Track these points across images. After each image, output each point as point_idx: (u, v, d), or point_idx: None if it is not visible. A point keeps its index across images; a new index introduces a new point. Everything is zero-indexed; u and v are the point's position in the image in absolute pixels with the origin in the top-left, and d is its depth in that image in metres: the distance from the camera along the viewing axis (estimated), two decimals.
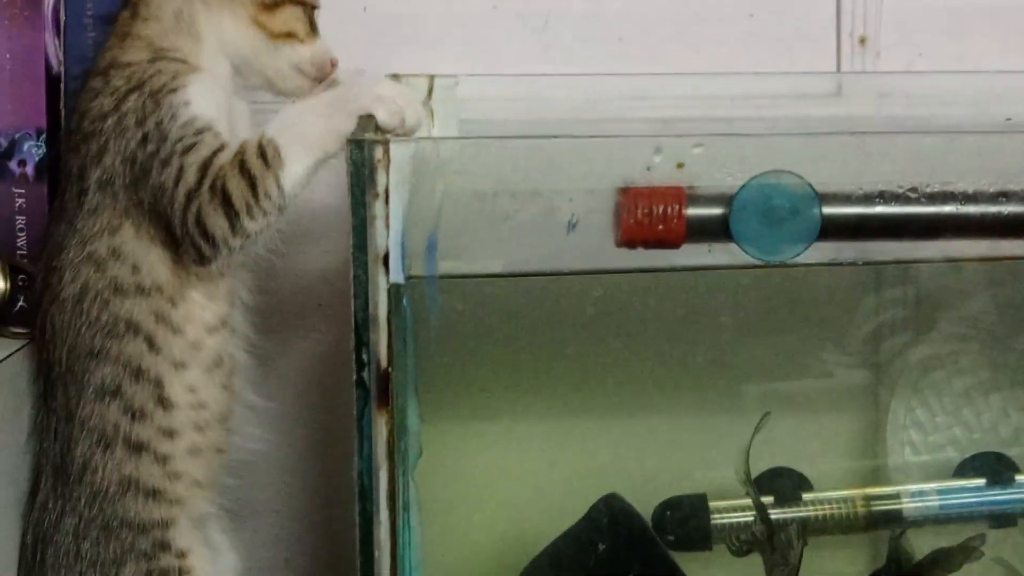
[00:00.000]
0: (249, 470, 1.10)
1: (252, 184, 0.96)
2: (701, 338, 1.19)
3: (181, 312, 1.00)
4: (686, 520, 1.21)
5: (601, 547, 1.12)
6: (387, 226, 0.85)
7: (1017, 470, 1.26)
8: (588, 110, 1.34)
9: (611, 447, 1.25)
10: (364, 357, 0.87)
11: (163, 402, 1.00)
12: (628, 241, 0.88)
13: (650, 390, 1.23)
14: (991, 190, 0.86)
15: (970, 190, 0.86)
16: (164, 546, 1.01)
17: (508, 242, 0.91)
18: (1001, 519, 1.24)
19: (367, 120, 0.96)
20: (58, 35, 1.06)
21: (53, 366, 1.02)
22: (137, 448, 1.00)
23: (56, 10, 1.04)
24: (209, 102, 1.00)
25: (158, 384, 1.00)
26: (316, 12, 1.08)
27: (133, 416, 0.99)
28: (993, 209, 0.87)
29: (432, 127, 1.25)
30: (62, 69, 1.05)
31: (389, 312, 0.87)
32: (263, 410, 1.09)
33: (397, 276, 0.86)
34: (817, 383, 1.29)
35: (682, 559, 1.17)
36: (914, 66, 1.47)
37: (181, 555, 1.02)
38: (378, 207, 0.85)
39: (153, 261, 1.00)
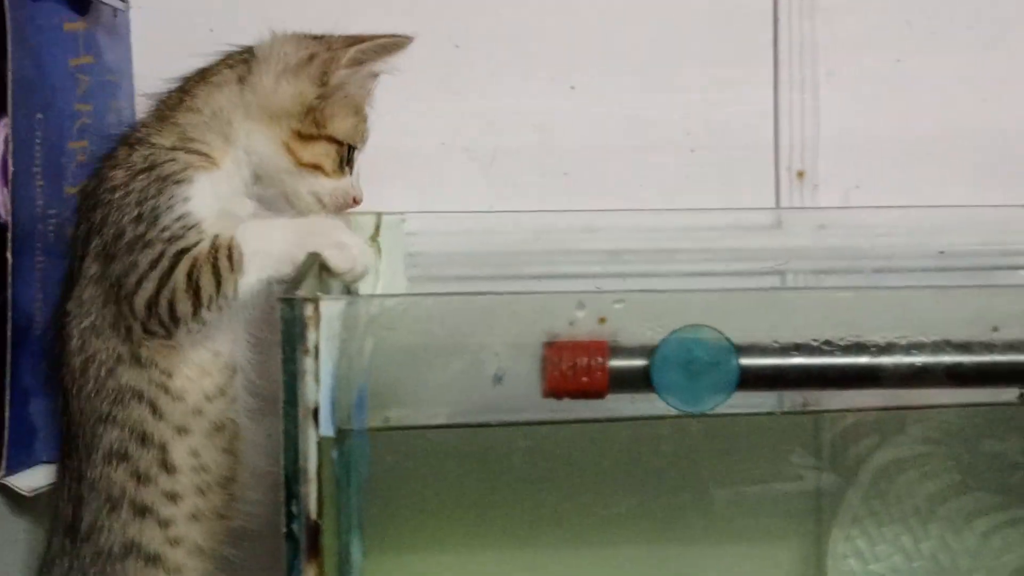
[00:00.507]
0: (252, 540, 1.11)
1: (218, 282, 1.02)
2: (632, 486, 1.21)
3: (178, 382, 1.05)
4: None
5: None
6: (317, 381, 0.87)
7: None
8: (535, 243, 1.37)
9: None
10: (294, 509, 0.88)
11: (167, 466, 1.04)
12: (553, 392, 0.90)
13: (588, 540, 1.23)
14: (903, 342, 0.89)
15: (883, 342, 0.89)
16: None
17: (437, 395, 0.93)
18: None
19: (307, 267, 1.00)
20: (5, 185, 1.09)
21: (69, 427, 1.06)
22: (141, 511, 1.04)
23: (4, 160, 1.07)
24: (211, 200, 1.06)
25: (162, 448, 1.04)
26: (356, 152, 1.13)
27: (139, 479, 1.04)
28: (906, 360, 0.89)
29: (379, 263, 1.28)
30: (9, 219, 1.08)
31: (319, 465, 0.88)
32: (267, 475, 1.11)
33: (327, 430, 0.88)
34: (757, 521, 1.30)
35: None
36: (851, 198, 1.51)
37: None
38: (308, 362, 0.87)
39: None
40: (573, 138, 1.49)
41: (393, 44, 1.12)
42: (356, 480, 0.94)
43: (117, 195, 1.05)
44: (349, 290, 1.07)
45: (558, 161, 1.48)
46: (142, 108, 1.31)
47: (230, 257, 1.02)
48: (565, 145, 1.49)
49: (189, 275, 1.02)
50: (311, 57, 1.10)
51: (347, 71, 1.11)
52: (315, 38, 1.13)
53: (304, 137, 1.09)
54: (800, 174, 1.49)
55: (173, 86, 1.13)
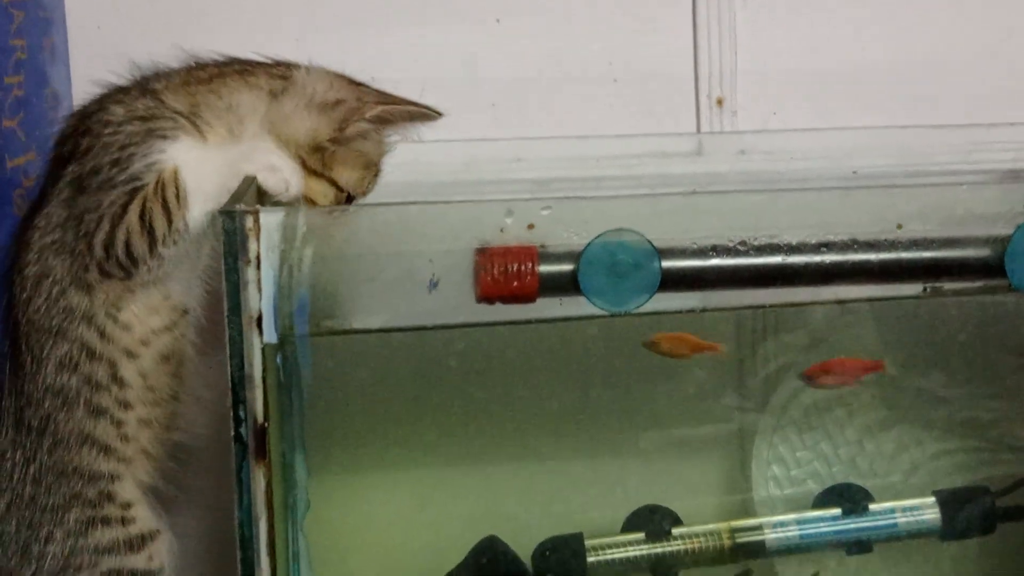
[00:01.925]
0: (192, 457, 1.16)
1: (169, 219, 1.04)
2: (565, 384, 1.26)
3: (125, 316, 1.08)
4: (564, 559, 1.26)
5: None
6: (259, 290, 0.91)
7: (871, 499, 1.33)
8: (464, 172, 1.40)
9: (490, 493, 1.31)
10: (241, 414, 0.92)
11: (118, 380, 1.08)
12: (486, 297, 0.94)
13: (522, 436, 1.29)
14: (813, 241, 0.94)
15: (794, 241, 0.94)
16: (109, 497, 1.09)
17: (376, 301, 0.97)
18: (857, 546, 1.32)
19: (244, 187, 1.03)
20: None
21: (15, 333, 1.09)
22: (96, 412, 1.08)
23: None
24: (185, 162, 1.07)
25: (112, 365, 1.08)
26: (355, 201, 1.13)
27: (93, 386, 1.08)
28: (815, 258, 0.95)
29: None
30: None
31: (264, 370, 0.92)
32: (207, 400, 1.15)
33: (271, 336, 0.92)
34: (684, 424, 1.36)
35: None
36: (769, 124, 1.56)
37: (125, 506, 1.09)
38: (250, 272, 0.91)
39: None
40: (499, 71, 1.52)
41: (421, 114, 1.15)
42: (298, 385, 0.98)
43: (107, 131, 1.07)
44: None
45: (485, 93, 1.52)
46: (76, 44, 1.34)
47: (177, 194, 1.04)
48: (492, 78, 1.52)
49: (142, 216, 1.04)
50: (338, 103, 1.12)
51: (367, 126, 1.13)
52: (352, 84, 1.15)
53: (308, 169, 1.10)
54: (719, 101, 1.54)
55: (213, 61, 1.14)
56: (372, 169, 1.15)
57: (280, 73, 1.14)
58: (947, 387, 1.38)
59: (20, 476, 1.09)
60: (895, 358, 1.36)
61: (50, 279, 1.08)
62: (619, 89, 1.55)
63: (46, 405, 1.08)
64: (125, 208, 1.05)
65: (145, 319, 1.09)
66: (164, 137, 1.07)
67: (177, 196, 1.04)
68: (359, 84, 1.16)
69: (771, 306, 1.25)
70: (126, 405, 1.08)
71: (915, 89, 1.59)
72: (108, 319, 1.08)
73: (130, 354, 1.09)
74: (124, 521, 1.10)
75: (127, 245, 1.05)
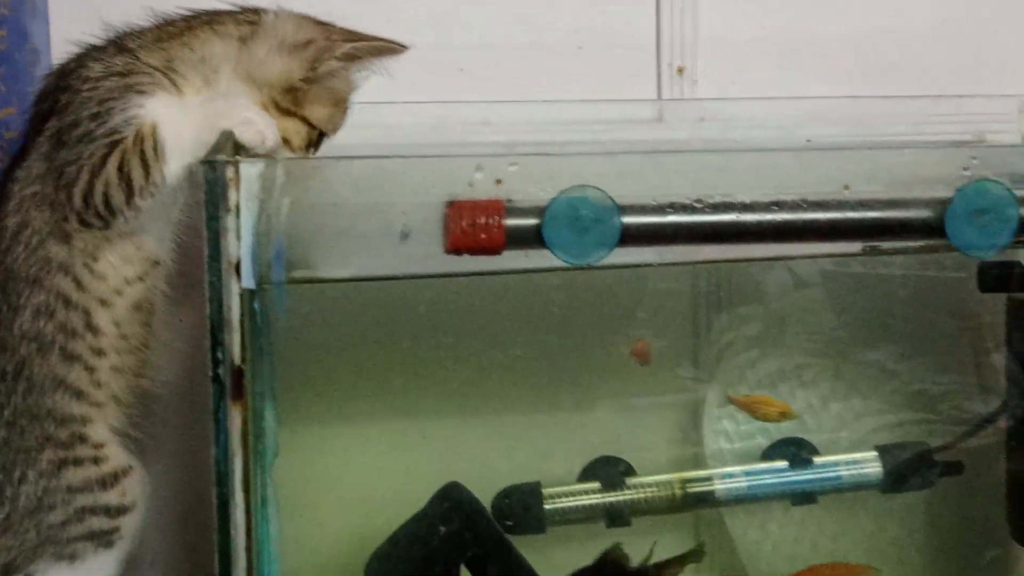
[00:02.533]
0: (161, 406, 1.20)
1: (147, 171, 1.08)
2: (528, 336, 1.31)
3: (101, 265, 1.12)
4: (522, 506, 1.32)
5: (443, 530, 1.23)
6: (238, 237, 0.95)
7: (816, 453, 1.39)
8: (433, 135, 1.44)
9: (453, 441, 1.36)
10: (219, 355, 0.96)
11: (92, 328, 1.12)
12: (455, 248, 0.99)
13: (485, 386, 1.34)
14: (765, 200, 0.99)
15: (748, 200, 0.99)
16: (82, 438, 1.12)
17: (349, 251, 1.01)
18: (802, 497, 1.38)
19: (224, 139, 1.07)
20: None
21: None
22: (70, 358, 1.11)
23: None
24: (163, 117, 1.10)
25: (87, 313, 1.11)
26: (325, 137, 1.18)
27: (68, 333, 1.11)
28: (767, 217, 1.00)
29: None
30: None
31: (242, 315, 0.96)
32: (176, 350, 1.20)
33: (248, 282, 0.96)
34: (641, 378, 1.41)
35: (519, 542, 1.27)
36: (728, 93, 1.61)
37: (97, 446, 1.13)
38: (230, 220, 0.95)
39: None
40: (468, 36, 1.55)
41: (388, 48, 1.19)
42: (272, 331, 1.02)
43: (86, 87, 1.10)
44: None
45: (454, 59, 1.55)
46: (55, 3, 1.37)
47: (155, 147, 1.08)
48: (461, 44, 1.55)
49: (120, 168, 1.08)
50: (307, 43, 1.15)
51: (338, 64, 1.16)
52: (318, 24, 1.18)
53: (281, 109, 1.14)
54: (680, 70, 1.59)
55: (181, 16, 1.17)
56: (342, 106, 1.19)
57: (248, 19, 1.17)
58: (896, 351, 1.44)
59: None
60: (846, 326, 1.42)
61: (29, 229, 1.11)
62: (584, 56, 1.58)
63: (21, 351, 1.11)
64: (104, 160, 1.08)
65: (119, 269, 1.13)
66: (142, 92, 1.10)
67: (155, 149, 1.08)
68: (326, 24, 1.19)
69: (727, 261, 1.31)
70: (99, 352, 1.12)
71: (870, 60, 1.64)
72: (84, 269, 1.11)
73: (104, 303, 1.12)
74: (96, 460, 1.14)
75: (105, 196, 1.08)
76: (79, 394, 1.12)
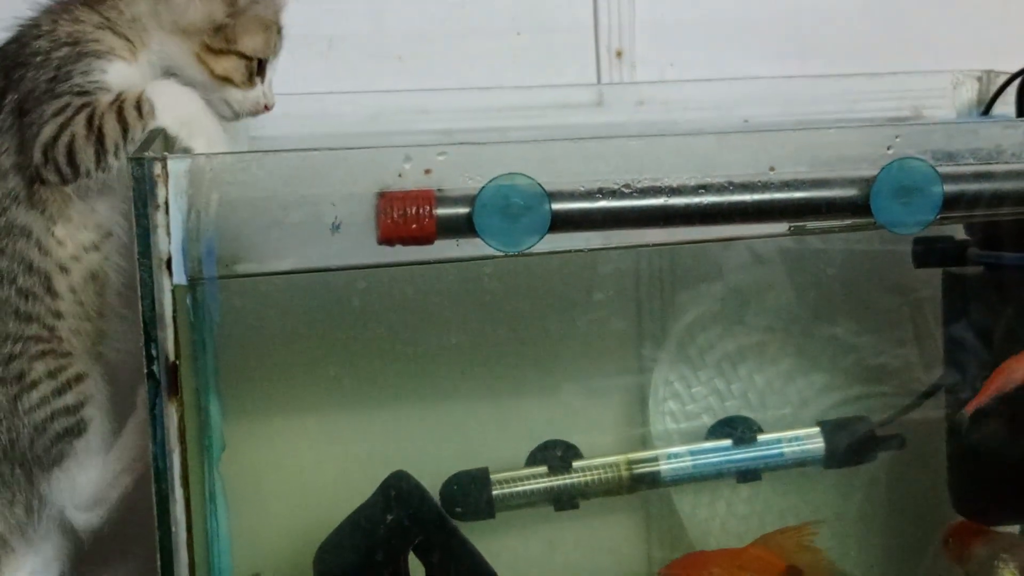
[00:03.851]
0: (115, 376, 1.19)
1: (125, 128, 1.08)
2: (468, 324, 1.32)
3: (60, 229, 1.12)
4: (470, 493, 1.33)
5: (389, 519, 1.23)
6: (168, 234, 0.95)
7: (760, 431, 1.41)
8: (372, 124, 1.45)
9: (397, 431, 1.37)
10: (153, 352, 0.96)
11: (51, 292, 1.13)
12: (387, 239, 0.99)
13: (427, 375, 1.35)
14: (692, 183, 1.00)
15: (675, 184, 1.00)
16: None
17: (281, 244, 1.01)
18: (747, 474, 1.39)
19: (155, 132, 1.08)
20: None
21: None
22: (27, 318, 1.12)
23: None
24: (125, 81, 1.12)
25: (47, 278, 1.12)
26: (268, 63, 1.19)
27: (25, 297, 1.12)
28: (695, 200, 1.01)
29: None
30: None
31: (175, 311, 0.97)
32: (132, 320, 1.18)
33: (180, 278, 0.96)
34: (585, 362, 1.43)
35: (468, 528, 1.28)
36: (666, 75, 1.62)
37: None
38: (159, 217, 0.95)
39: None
40: (405, 24, 1.56)
41: None
42: (209, 326, 1.03)
43: (38, 59, 1.11)
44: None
45: (391, 46, 1.55)
46: None
47: (139, 107, 1.08)
48: (398, 31, 1.56)
49: (89, 121, 1.08)
50: None
51: None
52: None
53: (215, 51, 1.15)
54: (619, 53, 1.60)
55: None
56: (273, 28, 1.20)
57: None
58: (835, 326, 1.46)
59: None
60: (785, 298, 1.43)
61: None
62: (522, 41, 1.59)
63: None
64: (71, 115, 1.09)
65: (76, 235, 1.13)
66: (99, 58, 1.11)
67: (139, 109, 1.08)
68: None
69: (657, 245, 1.32)
70: (58, 315, 1.13)
71: (807, 38, 1.66)
72: (47, 233, 1.12)
73: (63, 268, 1.13)
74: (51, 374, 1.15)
75: (69, 150, 1.08)
76: (38, 339, 1.13)
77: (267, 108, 1.21)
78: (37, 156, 1.09)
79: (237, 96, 1.18)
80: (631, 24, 1.61)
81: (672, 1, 1.62)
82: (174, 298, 0.96)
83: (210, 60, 1.16)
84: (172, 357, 0.97)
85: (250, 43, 1.17)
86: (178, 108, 1.11)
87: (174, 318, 0.96)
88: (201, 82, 1.16)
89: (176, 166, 0.95)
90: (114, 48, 1.13)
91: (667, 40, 1.62)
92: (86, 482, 1.15)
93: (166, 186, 0.95)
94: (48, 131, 1.09)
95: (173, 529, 0.99)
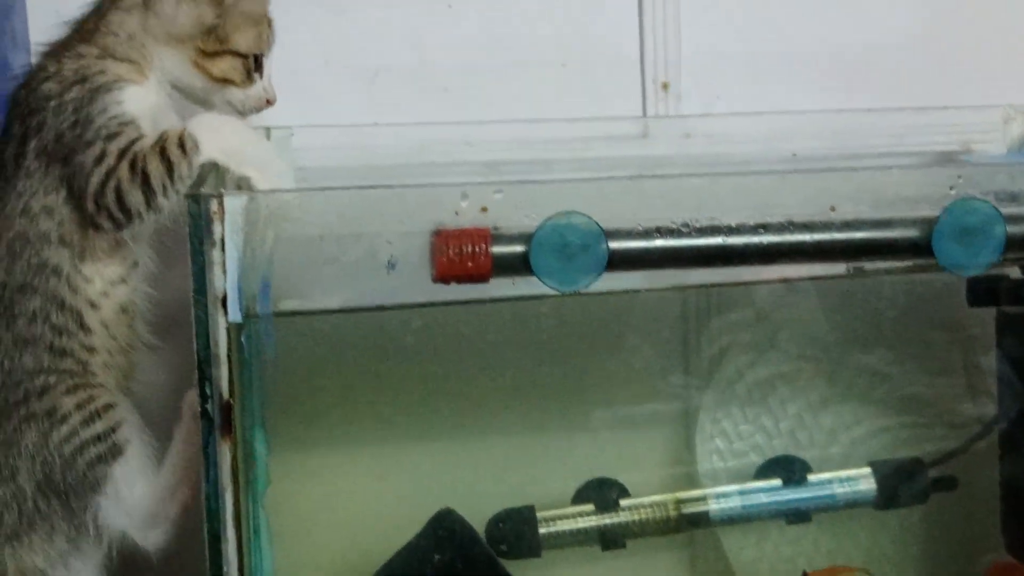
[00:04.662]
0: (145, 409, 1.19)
1: (169, 167, 1.08)
2: (517, 362, 1.31)
3: (89, 267, 1.13)
4: (516, 530, 1.31)
5: (437, 558, 1.22)
6: (224, 271, 0.94)
7: (810, 470, 1.39)
8: (416, 156, 1.44)
9: (444, 467, 1.35)
10: (208, 391, 0.96)
11: (84, 328, 1.13)
12: (442, 277, 0.98)
13: (476, 412, 1.34)
14: (752, 223, 0.99)
15: (734, 223, 0.99)
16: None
17: (336, 282, 1.01)
18: (796, 515, 1.38)
19: (209, 168, 1.07)
20: None
21: None
22: (61, 353, 1.12)
23: None
24: (142, 104, 1.13)
25: (79, 314, 1.13)
26: (264, 57, 1.19)
27: (59, 333, 1.12)
28: (754, 239, 1.00)
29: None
30: None
31: (229, 349, 0.96)
32: (160, 351, 1.20)
33: (235, 316, 0.96)
34: (631, 400, 1.41)
35: (515, 567, 1.27)
36: (712, 108, 1.61)
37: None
38: (215, 254, 0.94)
39: (69, 223, 1.12)
40: (451, 56, 1.56)
41: None
42: (260, 363, 1.02)
43: (52, 103, 1.11)
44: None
45: (437, 78, 1.55)
46: (36, 30, 1.36)
47: (182, 145, 1.08)
48: (444, 62, 1.55)
49: (132, 165, 1.08)
50: None
51: None
52: None
53: (210, 54, 1.16)
54: (665, 86, 1.59)
55: (89, 9, 1.18)
56: (263, 22, 1.20)
57: None
58: (885, 364, 1.44)
59: None
60: (835, 337, 1.42)
61: (22, 241, 1.12)
62: (568, 73, 1.59)
63: (13, 356, 1.12)
64: (111, 161, 1.09)
65: (104, 269, 1.14)
66: (110, 91, 1.12)
67: (183, 147, 1.08)
68: None
69: (713, 285, 1.31)
70: (91, 350, 1.14)
71: (854, 72, 1.64)
72: (75, 272, 1.12)
73: (93, 305, 1.13)
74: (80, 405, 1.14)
75: (119, 197, 1.09)
76: (72, 373, 1.13)
77: (269, 103, 1.21)
78: (90, 207, 1.10)
79: (239, 95, 1.18)
80: (677, 57, 1.60)
81: (718, 34, 1.61)
82: (229, 336, 0.95)
83: (207, 64, 1.16)
84: (226, 395, 0.96)
85: (243, 40, 1.17)
86: (222, 139, 1.11)
87: (229, 356, 0.96)
88: (202, 87, 1.17)
89: (233, 203, 0.95)
90: (120, 75, 1.13)
91: (713, 73, 1.61)
92: (135, 501, 1.15)
93: (222, 223, 0.94)
94: (95, 181, 1.09)
95: (225, 569, 0.98)
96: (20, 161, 1.12)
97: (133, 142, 1.10)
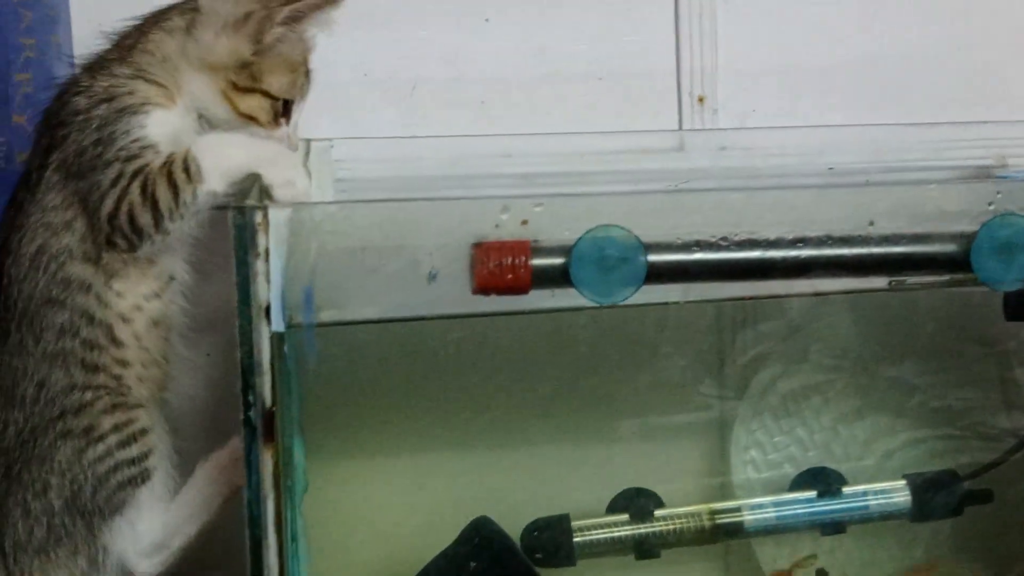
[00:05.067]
0: (179, 421, 1.21)
1: (176, 193, 1.10)
2: (553, 373, 1.32)
3: (119, 283, 1.14)
4: (551, 539, 1.32)
5: (472, 565, 1.23)
6: (268, 281, 0.96)
7: (844, 482, 1.39)
8: (454, 168, 1.45)
9: (481, 476, 1.37)
10: (250, 399, 0.97)
11: (115, 341, 1.14)
12: (482, 289, 0.99)
13: (512, 422, 1.35)
14: (790, 237, 1.00)
15: (772, 237, 1.00)
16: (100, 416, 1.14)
17: (377, 293, 1.02)
18: (831, 527, 1.38)
19: (251, 182, 1.08)
20: None
21: (8, 310, 1.14)
22: (94, 368, 1.13)
23: None
24: (165, 129, 1.13)
25: (109, 328, 1.13)
26: (294, 104, 1.19)
27: (91, 348, 1.13)
28: (792, 253, 1.01)
29: (310, 187, 1.36)
30: None
31: (272, 358, 0.97)
32: (195, 362, 1.21)
33: (278, 325, 0.97)
34: (666, 410, 1.42)
35: (549, 575, 1.28)
36: (748, 121, 1.62)
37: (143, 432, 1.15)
38: (259, 265, 0.96)
39: (89, 239, 1.13)
40: (488, 69, 1.57)
41: (327, 3, 1.18)
42: (302, 372, 1.03)
43: (79, 118, 1.12)
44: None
45: (474, 91, 1.56)
46: (79, 42, 1.38)
47: (187, 169, 1.09)
48: (480, 76, 1.56)
49: (143, 189, 1.10)
50: (247, 16, 1.16)
51: (282, 29, 1.16)
52: None
53: (240, 89, 1.16)
54: (700, 99, 1.60)
55: (131, 25, 1.19)
56: (300, 70, 1.20)
57: (190, 6, 1.18)
58: (919, 376, 1.44)
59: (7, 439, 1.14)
60: (869, 348, 1.42)
61: (47, 256, 1.13)
62: (604, 87, 1.59)
63: (43, 370, 1.13)
64: (128, 183, 1.10)
65: (136, 286, 1.14)
66: (136, 114, 1.12)
67: (187, 172, 1.09)
68: None
69: (749, 298, 1.31)
70: (124, 363, 1.14)
71: (889, 86, 1.65)
72: (106, 288, 1.13)
73: (125, 319, 1.14)
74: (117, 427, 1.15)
75: (131, 217, 1.10)
76: (107, 388, 1.14)
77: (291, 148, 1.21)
78: (104, 227, 1.11)
79: (261, 135, 1.18)
80: (713, 70, 1.60)
81: (754, 48, 1.62)
82: (272, 345, 0.97)
83: (235, 97, 1.16)
84: (269, 404, 0.98)
85: (275, 82, 1.17)
86: (227, 162, 1.11)
87: (272, 365, 0.97)
88: (226, 119, 1.17)
89: (277, 215, 0.96)
90: (149, 97, 1.14)
91: (749, 86, 1.61)
92: (147, 529, 1.16)
93: (267, 234, 0.96)
94: (110, 203, 1.11)
95: (266, 573, 1.00)
96: (42, 172, 1.14)
97: (148, 164, 1.11)
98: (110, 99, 1.13)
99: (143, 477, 1.14)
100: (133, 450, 1.14)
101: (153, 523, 1.15)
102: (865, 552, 1.45)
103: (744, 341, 1.46)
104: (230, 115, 1.17)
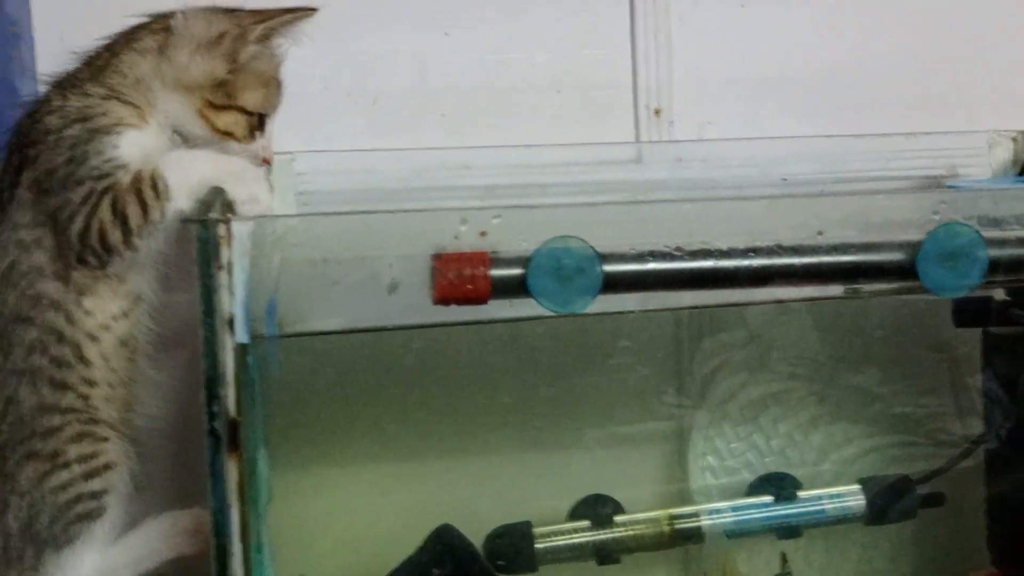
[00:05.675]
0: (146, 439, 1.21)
1: (145, 211, 1.11)
2: (515, 381, 1.34)
3: (89, 301, 1.14)
4: (513, 546, 1.34)
5: (436, 572, 1.25)
6: (231, 293, 0.97)
7: (800, 487, 1.42)
8: (416, 180, 1.47)
9: (444, 484, 1.38)
10: (215, 409, 0.98)
11: (83, 360, 1.14)
12: (442, 299, 1.01)
13: (474, 430, 1.37)
14: (742, 247, 1.02)
15: (724, 247, 1.02)
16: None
17: (339, 304, 1.03)
18: (787, 531, 1.40)
19: (214, 195, 1.10)
20: None
21: None
22: (62, 386, 1.13)
23: None
24: (137, 149, 1.14)
25: (78, 347, 1.14)
26: (268, 118, 1.21)
27: (59, 366, 1.13)
28: (744, 263, 1.03)
29: (272, 203, 1.37)
30: None
31: (236, 369, 0.99)
32: (158, 383, 1.22)
33: (242, 337, 0.98)
34: (626, 418, 1.44)
35: None
36: (704, 133, 1.64)
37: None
38: (223, 277, 0.97)
39: (59, 256, 1.13)
40: (449, 81, 1.59)
41: (301, 16, 1.20)
42: (265, 383, 1.05)
43: (51, 138, 1.13)
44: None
45: (435, 103, 1.58)
46: (44, 58, 1.39)
47: (155, 187, 1.11)
48: (441, 88, 1.58)
49: (113, 207, 1.11)
50: (221, 36, 1.18)
51: (256, 47, 1.18)
52: (227, 12, 1.20)
53: (216, 107, 1.18)
54: (657, 112, 1.62)
55: (102, 45, 1.20)
56: (273, 83, 1.22)
57: (161, 26, 1.19)
58: (875, 383, 1.47)
59: None
60: (825, 356, 1.45)
61: (17, 272, 1.13)
62: (563, 99, 1.62)
63: (11, 387, 1.13)
64: (97, 201, 1.11)
65: (106, 304, 1.15)
66: (109, 134, 1.13)
67: (155, 189, 1.10)
68: (234, 11, 1.21)
69: (707, 307, 1.34)
70: (91, 383, 1.15)
71: (844, 97, 1.68)
72: (74, 305, 1.14)
73: (93, 338, 1.15)
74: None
75: (101, 235, 1.11)
76: (73, 410, 1.14)
77: (266, 162, 1.22)
78: (76, 244, 1.12)
79: (237, 150, 1.19)
80: (669, 82, 1.63)
81: (710, 60, 1.64)
82: (236, 356, 0.98)
83: (212, 115, 1.18)
84: (233, 414, 0.99)
85: (251, 98, 1.19)
86: (193, 180, 1.12)
87: (236, 376, 0.98)
88: (203, 136, 1.18)
89: (240, 228, 0.97)
90: (122, 118, 1.15)
91: (705, 98, 1.64)
92: (89, 566, 1.15)
93: (230, 247, 0.97)
94: (80, 221, 1.12)
95: None
96: (14, 191, 1.14)
97: (118, 182, 1.12)
98: (83, 119, 1.13)
99: (99, 512, 1.14)
100: (95, 483, 1.14)
101: (95, 561, 1.15)
102: (823, 556, 1.47)
103: (703, 350, 1.48)
104: (207, 132, 1.18)
